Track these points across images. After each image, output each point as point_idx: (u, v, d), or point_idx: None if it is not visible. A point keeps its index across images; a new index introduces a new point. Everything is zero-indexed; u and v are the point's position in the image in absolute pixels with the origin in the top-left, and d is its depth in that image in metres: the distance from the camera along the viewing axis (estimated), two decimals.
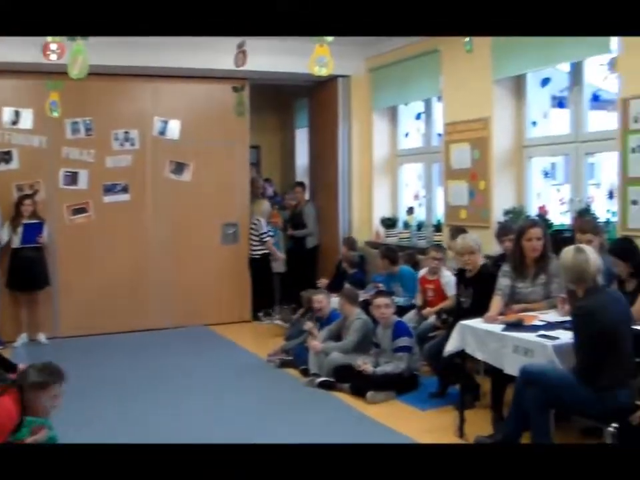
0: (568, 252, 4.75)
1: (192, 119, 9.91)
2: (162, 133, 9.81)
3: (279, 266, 10.54)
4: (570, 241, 5.67)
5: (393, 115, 10.47)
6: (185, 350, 8.71)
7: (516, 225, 6.58)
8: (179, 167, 9.86)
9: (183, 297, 9.89)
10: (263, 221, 10.25)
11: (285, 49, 8.90)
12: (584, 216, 7.04)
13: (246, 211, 10.28)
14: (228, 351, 8.72)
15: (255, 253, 10.21)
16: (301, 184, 11.11)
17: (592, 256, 4.69)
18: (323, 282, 9.08)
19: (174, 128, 9.84)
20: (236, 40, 8.21)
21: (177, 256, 9.88)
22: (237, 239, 10.21)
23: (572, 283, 4.76)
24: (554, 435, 4.69)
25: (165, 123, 9.81)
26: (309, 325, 7.63)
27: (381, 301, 6.90)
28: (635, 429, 4.19)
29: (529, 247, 5.80)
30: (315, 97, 11.15)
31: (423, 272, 7.61)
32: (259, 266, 10.25)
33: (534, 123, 8.14)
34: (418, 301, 7.60)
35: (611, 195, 7.02)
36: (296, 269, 10.52)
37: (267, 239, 10.18)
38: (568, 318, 5.08)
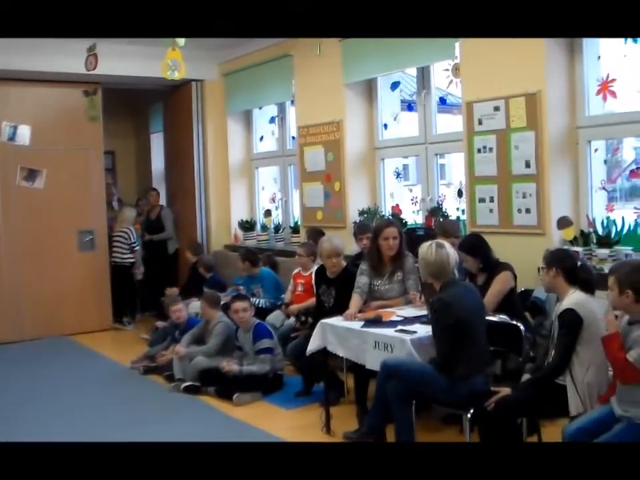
0: (429, 247, 4.94)
1: (43, 124, 9.57)
2: (11, 138, 9.42)
3: (138, 273, 10.39)
4: (424, 239, 5.83)
5: (247, 118, 10.58)
6: (43, 362, 8.46)
7: (373, 224, 6.77)
8: (32, 174, 9.52)
9: (39, 307, 9.53)
10: (133, 229, 10.14)
11: (137, 53, 8.83)
12: (436, 214, 7.34)
13: (102, 217, 10.07)
14: (89, 360, 8.52)
15: (124, 261, 10.06)
16: (155, 189, 11.06)
17: (451, 251, 4.95)
18: (172, 290, 9.04)
19: (24, 133, 9.48)
20: (87, 43, 8.09)
21: (31, 265, 9.53)
22: (94, 246, 9.98)
23: (431, 276, 4.96)
24: (416, 425, 4.85)
25: (14, 128, 9.44)
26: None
27: (239, 305, 6.93)
28: (490, 413, 4.43)
29: (386, 246, 6.02)
30: (170, 102, 11.10)
31: (297, 270, 7.67)
32: (127, 273, 10.13)
33: (385, 126, 8.40)
34: (287, 297, 7.72)
35: (460, 194, 7.33)
36: (158, 275, 10.39)
37: (137, 247, 10.09)
38: (424, 312, 5.33)
